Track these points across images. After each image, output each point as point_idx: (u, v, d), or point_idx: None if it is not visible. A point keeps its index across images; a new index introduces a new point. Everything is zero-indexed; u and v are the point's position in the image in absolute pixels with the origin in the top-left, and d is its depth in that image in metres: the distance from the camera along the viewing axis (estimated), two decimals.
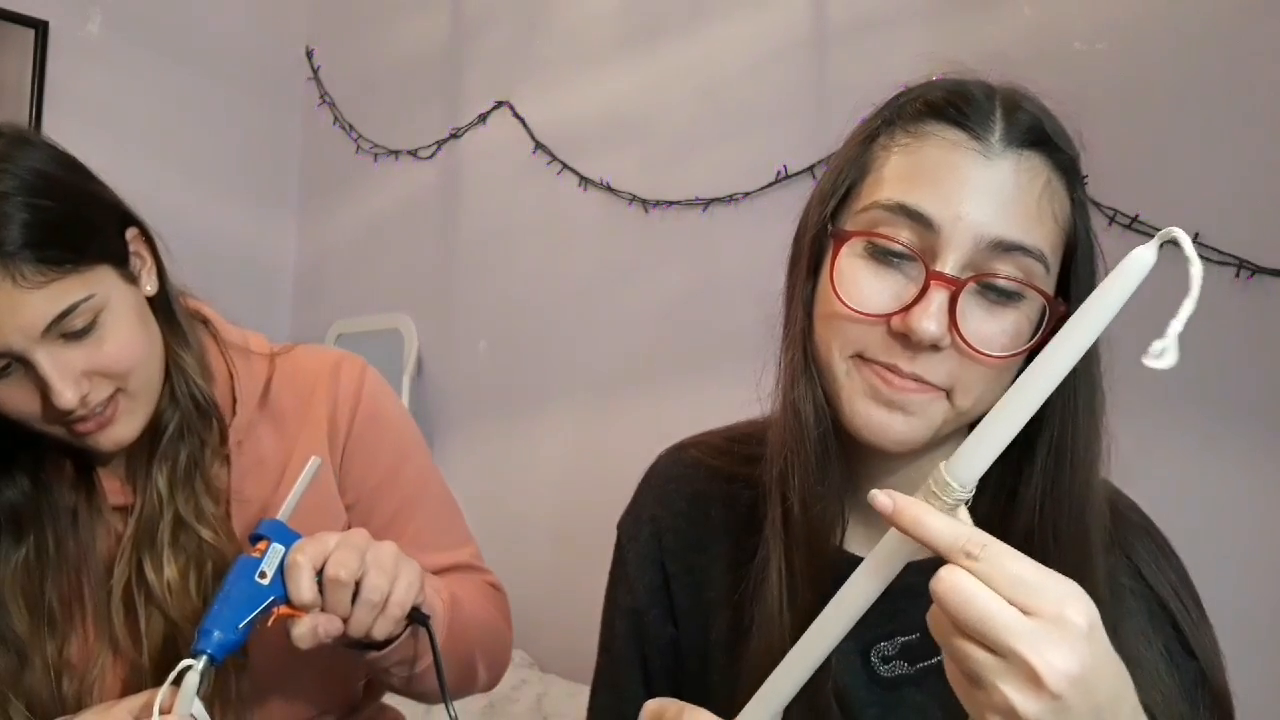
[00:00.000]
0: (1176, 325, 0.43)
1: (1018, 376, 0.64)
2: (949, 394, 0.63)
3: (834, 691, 0.66)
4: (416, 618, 0.81)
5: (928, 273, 0.60)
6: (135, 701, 0.76)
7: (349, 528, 0.86)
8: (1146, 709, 0.51)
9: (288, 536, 0.78)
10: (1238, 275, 1.45)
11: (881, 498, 0.49)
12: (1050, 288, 0.63)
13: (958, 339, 0.60)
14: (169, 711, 0.71)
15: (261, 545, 0.78)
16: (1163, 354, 0.43)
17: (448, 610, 0.89)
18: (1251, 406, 1.46)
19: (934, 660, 0.69)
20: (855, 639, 0.69)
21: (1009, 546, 0.48)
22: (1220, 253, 1.47)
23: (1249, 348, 1.46)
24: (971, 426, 0.68)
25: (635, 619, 0.80)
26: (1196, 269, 0.44)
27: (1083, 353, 0.47)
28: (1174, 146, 1.54)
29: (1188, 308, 0.43)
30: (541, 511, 2.36)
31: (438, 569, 0.98)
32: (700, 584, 0.78)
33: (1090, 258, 0.65)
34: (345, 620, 0.77)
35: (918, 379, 0.62)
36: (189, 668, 0.72)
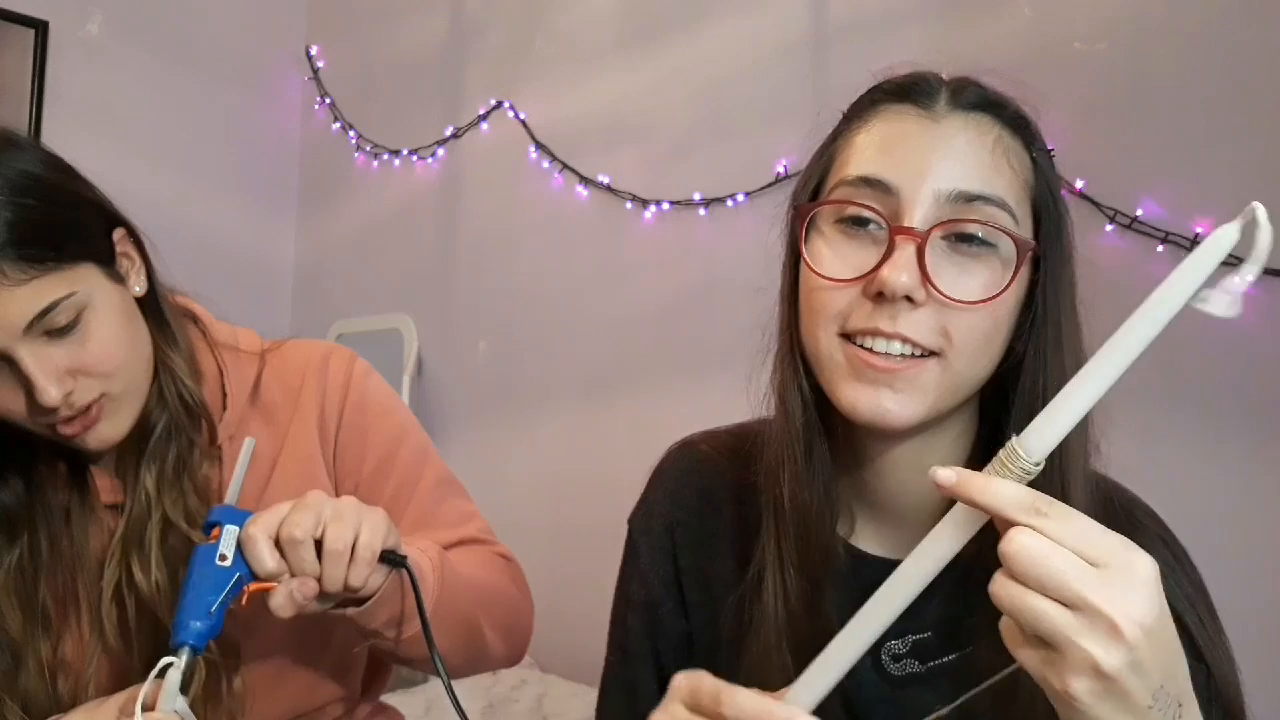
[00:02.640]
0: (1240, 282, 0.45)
1: (1011, 346, 0.65)
2: (941, 355, 0.63)
3: (842, 689, 0.66)
4: (391, 560, 0.80)
5: (891, 229, 0.62)
6: (124, 697, 0.76)
7: None
8: None
9: (239, 517, 0.78)
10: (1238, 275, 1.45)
11: (944, 472, 0.50)
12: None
13: (932, 290, 0.61)
14: (153, 707, 0.71)
15: (215, 532, 0.78)
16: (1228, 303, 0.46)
17: (437, 569, 0.87)
18: (1251, 406, 1.46)
19: (945, 659, 0.69)
20: None
21: (1068, 506, 0.48)
22: None
23: (1249, 347, 1.45)
24: (984, 406, 0.69)
25: (649, 614, 0.80)
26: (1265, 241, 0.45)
27: (1163, 326, 0.47)
28: (1174, 146, 1.54)
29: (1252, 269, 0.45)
30: (541, 511, 2.36)
31: (442, 545, 0.96)
32: (710, 579, 0.78)
33: (1056, 214, 0.66)
34: (318, 580, 0.76)
35: (904, 338, 0.62)
36: (170, 664, 0.72)
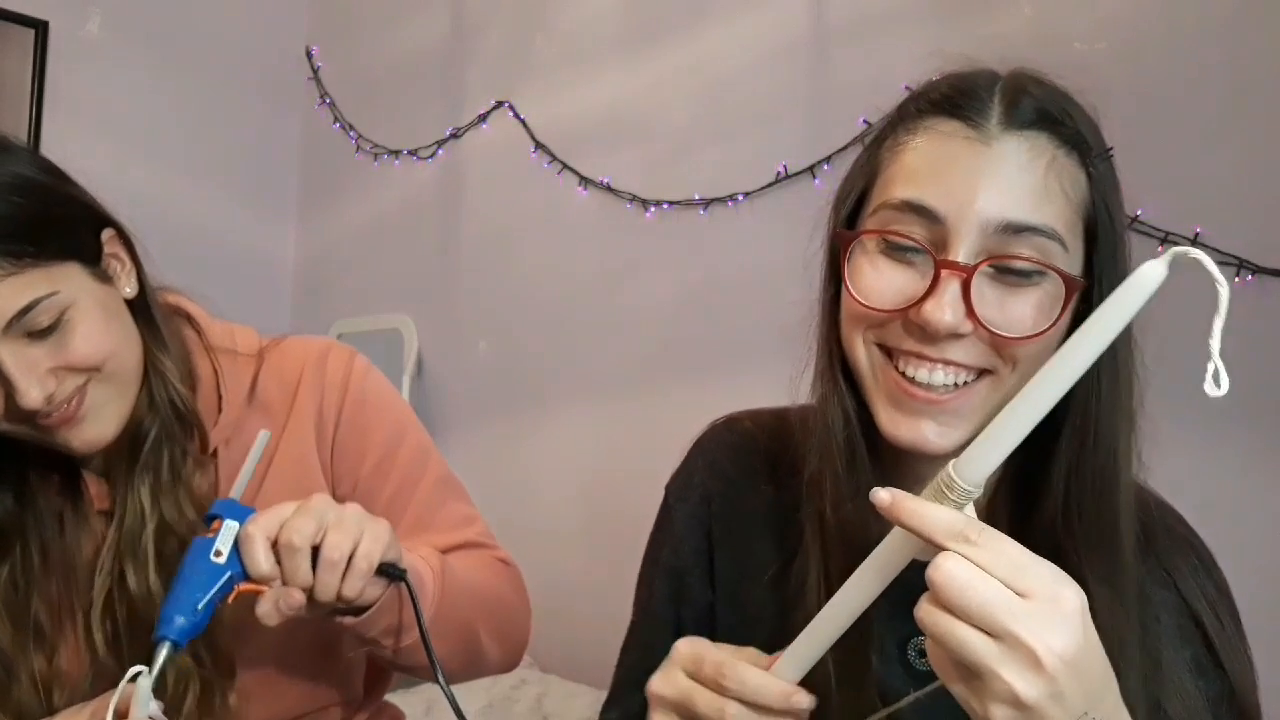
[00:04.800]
0: (1215, 344, 0.44)
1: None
2: (994, 373, 0.62)
3: (876, 682, 0.66)
4: (389, 573, 0.78)
5: (936, 263, 0.60)
6: (96, 704, 0.75)
7: None
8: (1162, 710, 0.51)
9: (241, 512, 0.77)
10: (1238, 275, 1.45)
11: (881, 494, 0.50)
12: (1073, 266, 0.62)
13: (978, 326, 0.60)
14: (125, 714, 0.70)
15: (216, 525, 0.76)
16: (1219, 379, 0.44)
17: (437, 577, 0.86)
18: (1251, 406, 1.46)
19: None
20: (892, 631, 0.69)
21: (1000, 532, 0.48)
22: (1220, 253, 1.46)
23: (1249, 348, 1.45)
24: None
25: (676, 579, 0.80)
26: (1224, 291, 0.44)
27: (1092, 361, 0.47)
28: (1174, 146, 1.54)
29: (1219, 324, 0.44)
30: (541, 512, 2.36)
31: (443, 548, 0.96)
32: (742, 556, 0.78)
33: (1112, 234, 0.64)
34: (311, 590, 0.75)
35: (948, 362, 0.61)
36: (141, 672, 0.71)
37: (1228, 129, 1.50)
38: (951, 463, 0.50)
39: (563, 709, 1.98)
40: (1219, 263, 1.46)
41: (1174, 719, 0.63)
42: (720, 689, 0.56)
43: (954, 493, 0.49)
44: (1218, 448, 1.48)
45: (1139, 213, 1.54)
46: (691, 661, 0.58)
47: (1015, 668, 0.46)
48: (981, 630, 0.46)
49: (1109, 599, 0.60)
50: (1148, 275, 0.44)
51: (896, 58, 1.79)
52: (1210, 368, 0.44)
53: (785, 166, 2.00)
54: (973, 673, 0.47)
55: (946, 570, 0.47)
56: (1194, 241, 1.48)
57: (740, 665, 0.56)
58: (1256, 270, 1.44)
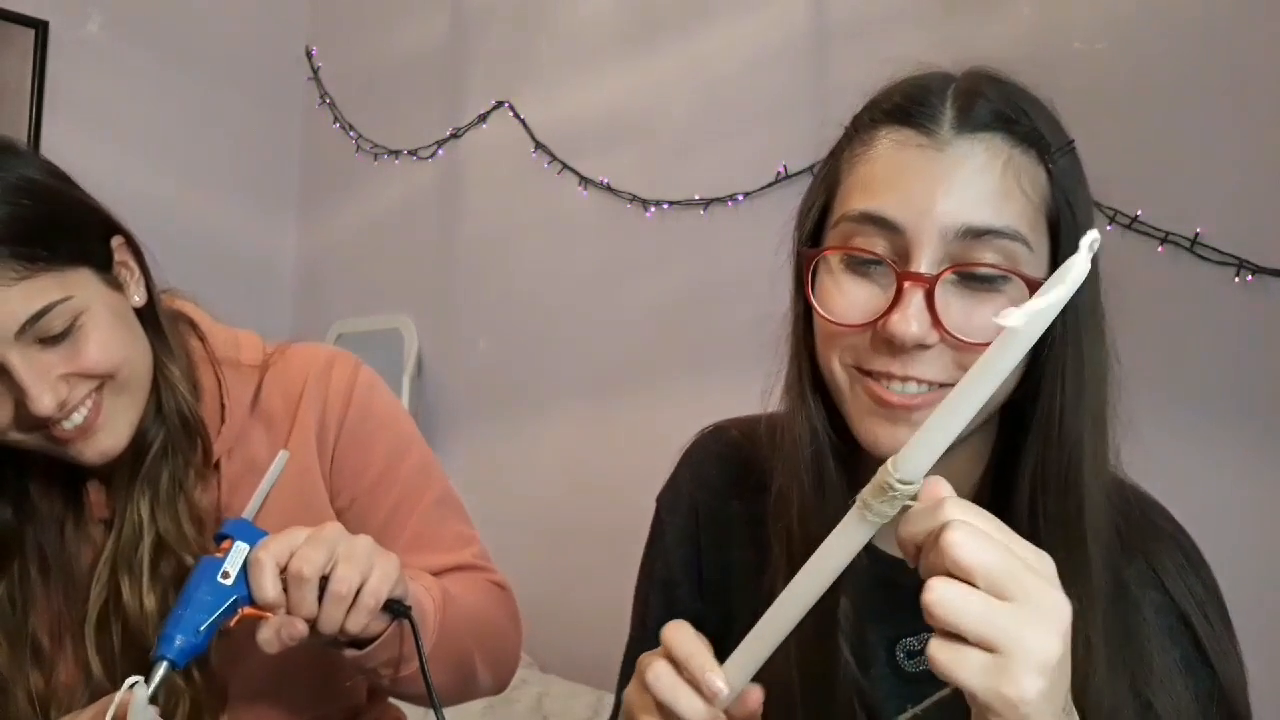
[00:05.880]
0: (1041, 302, 0.44)
1: (1031, 362, 0.62)
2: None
3: (857, 684, 0.66)
4: (395, 609, 0.78)
5: (898, 275, 0.60)
6: (93, 711, 0.75)
7: None
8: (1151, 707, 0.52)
9: (253, 535, 0.76)
10: (1238, 275, 1.45)
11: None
12: (1039, 267, 0.62)
13: (945, 335, 0.60)
14: None
15: (226, 545, 0.76)
16: (1009, 315, 0.45)
17: (439, 609, 0.86)
18: (1251, 406, 1.46)
19: None
20: (881, 633, 0.69)
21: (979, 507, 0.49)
22: (1220, 253, 1.46)
23: (1249, 348, 1.45)
24: (1001, 421, 0.68)
25: (668, 591, 0.81)
26: (1078, 267, 0.44)
27: (1021, 355, 0.46)
28: (1174, 146, 1.54)
29: (1064, 291, 0.44)
30: (541, 511, 2.36)
31: (439, 569, 0.96)
32: (729, 564, 0.78)
33: (1075, 230, 0.62)
34: (314, 620, 0.74)
35: (918, 380, 0.61)
36: (138, 681, 0.70)
37: (1228, 129, 1.49)
38: (889, 461, 0.49)
39: (563, 709, 1.98)
40: (1219, 263, 1.47)
41: (1164, 718, 0.63)
42: (665, 646, 0.57)
43: (893, 489, 0.49)
44: (1218, 447, 1.48)
45: (1139, 213, 1.54)
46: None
47: (1039, 627, 0.45)
48: (997, 599, 0.46)
49: (1075, 598, 0.60)
50: (1073, 269, 0.45)
51: (896, 58, 1.79)
52: (1013, 311, 0.45)
53: (785, 166, 2.00)
54: (995, 651, 0.45)
55: (956, 534, 0.46)
56: (1194, 241, 1.48)
57: (683, 629, 0.57)
58: (1256, 270, 1.44)
